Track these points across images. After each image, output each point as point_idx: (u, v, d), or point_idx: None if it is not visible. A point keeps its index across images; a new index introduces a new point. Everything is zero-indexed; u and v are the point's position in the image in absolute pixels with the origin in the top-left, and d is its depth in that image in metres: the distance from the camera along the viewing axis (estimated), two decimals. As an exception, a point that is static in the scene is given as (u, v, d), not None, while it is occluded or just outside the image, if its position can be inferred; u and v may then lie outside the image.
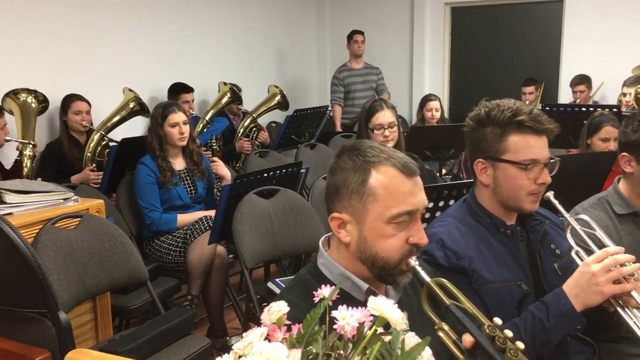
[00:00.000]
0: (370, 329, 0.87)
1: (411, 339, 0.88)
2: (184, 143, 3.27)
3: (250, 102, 5.16)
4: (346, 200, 1.23)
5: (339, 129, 5.62)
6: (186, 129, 3.25)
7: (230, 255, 3.22)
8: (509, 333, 1.14)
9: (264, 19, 6.26)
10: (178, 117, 3.22)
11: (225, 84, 4.86)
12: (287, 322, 0.90)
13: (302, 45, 6.95)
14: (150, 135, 3.26)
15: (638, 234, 1.90)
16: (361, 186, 1.21)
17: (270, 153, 4.40)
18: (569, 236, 1.59)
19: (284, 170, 3.05)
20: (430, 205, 2.35)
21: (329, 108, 5.29)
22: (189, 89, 4.60)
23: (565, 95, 5.84)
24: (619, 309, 1.44)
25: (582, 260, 1.53)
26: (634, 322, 1.41)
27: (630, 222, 1.91)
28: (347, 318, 0.83)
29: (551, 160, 1.58)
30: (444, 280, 1.22)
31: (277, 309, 0.88)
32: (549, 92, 6.05)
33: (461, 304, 1.18)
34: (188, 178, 3.32)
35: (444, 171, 4.36)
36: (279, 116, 5.68)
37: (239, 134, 4.78)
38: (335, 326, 0.86)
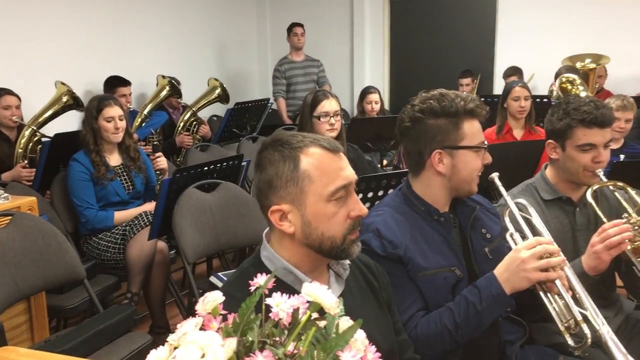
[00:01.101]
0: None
1: (345, 323, 0.89)
2: (119, 139, 3.18)
3: (190, 95, 5.08)
4: (282, 190, 1.24)
5: (287, 120, 5.61)
6: (122, 124, 3.16)
7: (172, 251, 3.17)
8: None
9: (202, 11, 6.17)
10: (114, 111, 3.13)
11: (163, 77, 4.77)
12: (223, 312, 0.91)
13: (243, 37, 6.89)
14: (84, 129, 3.16)
15: (563, 217, 1.98)
16: (294, 172, 1.23)
17: (211, 147, 4.35)
18: (506, 219, 1.65)
19: (224, 164, 3.03)
20: (370, 195, 2.39)
21: (271, 100, 5.28)
22: (126, 83, 4.49)
23: (499, 86, 6.03)
24: (541, 293, 1.51)
25: (515, 242, 1.60)
26: (553, 308, 1.49)
27: (556, 207, 1.99)
28: (281, 305, 0.84)
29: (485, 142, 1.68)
30: None
31: (212, 299, 0.88)
32: (484, 83, 6.24)
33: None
34: (125, 174, 3.25)
35: (385, 162, 4.43)
36: (220, 109, 5.61)
37: (179, 128, 4.71)
38: (270, 313, 0.87)
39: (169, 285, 3.19)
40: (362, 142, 3.95)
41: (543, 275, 1.46)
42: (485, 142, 1.68)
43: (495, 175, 1.67)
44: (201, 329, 0.88)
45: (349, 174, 1.27)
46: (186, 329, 0.84)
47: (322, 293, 0.86)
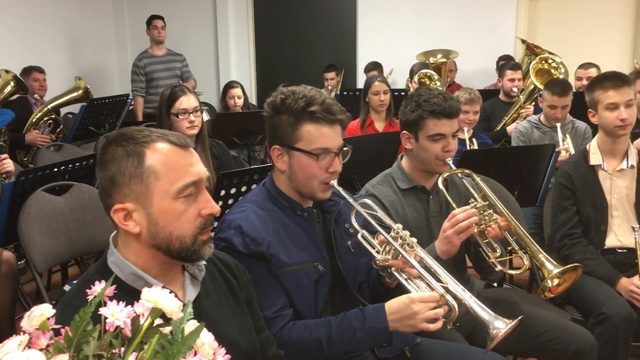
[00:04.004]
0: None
1: (192, 327, 0.85)
2: None
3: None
4: (126, 187, 1.17)
5: (139, 120, 5.37)
6: None
7: (22, 261, 2.92)
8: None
9: (53, 1, 5.75)
10: None
11: (7, 71, 4.36)
12: (56, 326, 0.83)
13: (99, 30, 6.53)
14: None
15: (419, 206, 2.07)
16: (138, 168, 1.17)
17: (65, 146, 4.06)
18: (353, 220, 1.66)
19: (77, 164, 2.83)
20: (233, 190, 2.35)
21: (130, 97, 5.03)
22: (-39, 78, 4.05)
23: (362, 81, 6.23)
24: (403, 281, 1.53)
25: (368, 243, 1.62)
26: (417, 291, 1.52)
27: (412, 196, 2.07)
28: (116, 313, 0.78)
29: (344, 149, 1.64)
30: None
31: (39, 314, 0.79)
32: (349, 77, 6.42)
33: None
34: (-40, 178, 2.92)
35: (255, 155, 4.41)
36: (75, 106, 5.26)
37: (29, 125, 4.34)
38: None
39: (19, 298, 2.93)
40: (228, 137, 3.89)
41: (430, 326, 1.45)
42: (344, 147, 1.63)
43: (334, 182, 1.65)
44: (29, 346, 0.80)
45: (199, 170, 1.22)
46: (8, 348, 0.75)
47: (163, 298, 0.81)
